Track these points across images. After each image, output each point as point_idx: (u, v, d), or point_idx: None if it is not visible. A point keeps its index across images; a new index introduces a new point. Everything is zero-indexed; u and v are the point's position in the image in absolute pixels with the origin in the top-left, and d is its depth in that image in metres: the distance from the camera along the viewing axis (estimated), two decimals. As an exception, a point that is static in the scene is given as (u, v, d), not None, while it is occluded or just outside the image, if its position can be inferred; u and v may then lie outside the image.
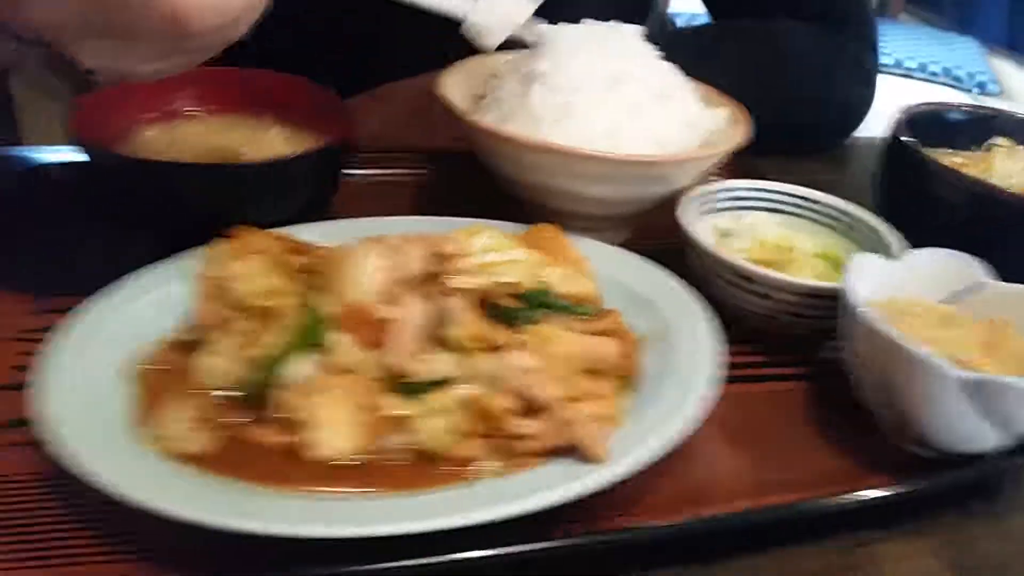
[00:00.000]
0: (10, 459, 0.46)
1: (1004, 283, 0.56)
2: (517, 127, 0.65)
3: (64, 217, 0.67)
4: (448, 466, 0.46)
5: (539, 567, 0.43)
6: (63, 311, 0.51)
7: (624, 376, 0.52)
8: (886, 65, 2.67)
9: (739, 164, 0.77)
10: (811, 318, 0.59)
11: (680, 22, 1.35)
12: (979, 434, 0.49)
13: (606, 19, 0.72)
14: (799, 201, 0.68)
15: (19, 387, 0.46)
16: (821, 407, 0.56)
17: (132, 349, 0.50)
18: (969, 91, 2.69)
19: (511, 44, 0.72)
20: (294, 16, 0.82)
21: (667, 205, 0.65)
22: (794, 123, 0.90)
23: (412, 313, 0.49)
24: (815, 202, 0.68)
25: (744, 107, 0.72)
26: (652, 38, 0.72)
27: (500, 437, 0.46)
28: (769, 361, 0.60)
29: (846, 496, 0.48)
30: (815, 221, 0.68)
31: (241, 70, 0.70)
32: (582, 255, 0.60)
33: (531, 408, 0.48)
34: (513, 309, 0.52)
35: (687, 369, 0.51)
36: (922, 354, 0.48)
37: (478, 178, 0.70)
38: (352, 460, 0.46)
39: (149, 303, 0.54)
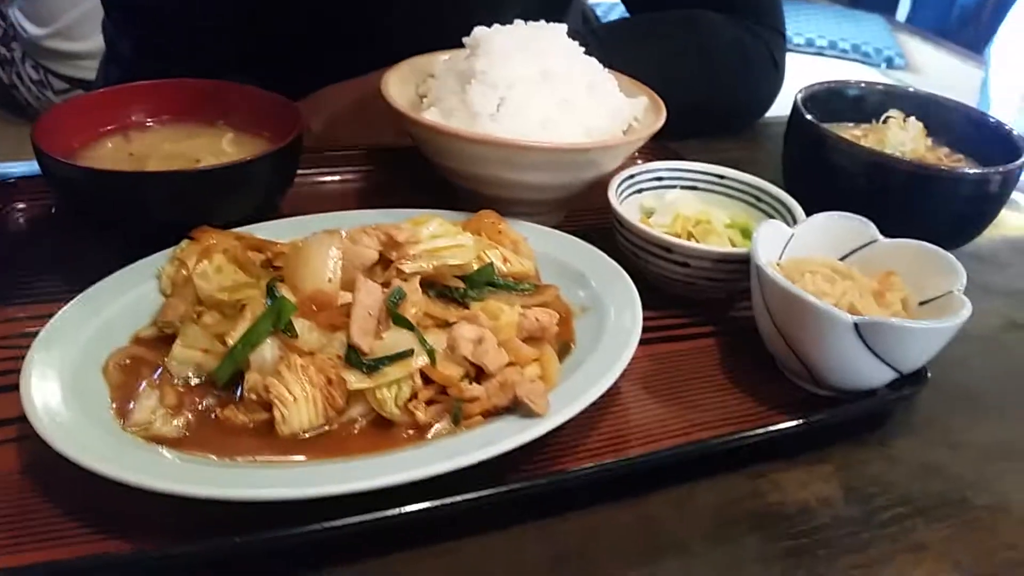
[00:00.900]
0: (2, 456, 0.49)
1: (891, 239, 0.63)
2: (458, 123, 0.69)
3: (39, 227, 0.69)
4: (407, 430, 0.50)
5: (495, 511, 0.48)
6: (42, 317, 0.54)
7: (562, 341, 0.58)
8: (798, 45, 2.73)
9: (659, 148, 0.83)
10: (725, 281, 0.66)
11: (599, 12, 1.41)
12: (870, 372, 0.56)
13: (533, 17, 0.76)
14: (713, 179, 0.74)
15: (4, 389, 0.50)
16: (735, 359, 0.63)
17: (109, 345, 0.54)
18: (878, 66, 2.78)
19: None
20: (250, 23, 0.86)
21: (597, 188, 0.71)
22: (712, 109, 0.97)
23: (370, 297, 0.54)
24: (727, 179, 0.74)
25: (661, 95, 0.78)
26: (575, 32, 0.77)
27: (452, 400, 0.51)
28: (689, 322, 0.66)
29: (754, 432, 0.54)
30: (728, 196, 0.74)
31: (191, 80, 0.73)
32: (521, 237, 0.65)
33: (480, 374, 0.53)
34: (461, 289, 0.58)
35: (616, 333, 0.57)
36: (818, 303, 0.55)
37: (422, 172, 0.74)
38: (319, 431, 0.50)
39: (123, 303, 0.57)
